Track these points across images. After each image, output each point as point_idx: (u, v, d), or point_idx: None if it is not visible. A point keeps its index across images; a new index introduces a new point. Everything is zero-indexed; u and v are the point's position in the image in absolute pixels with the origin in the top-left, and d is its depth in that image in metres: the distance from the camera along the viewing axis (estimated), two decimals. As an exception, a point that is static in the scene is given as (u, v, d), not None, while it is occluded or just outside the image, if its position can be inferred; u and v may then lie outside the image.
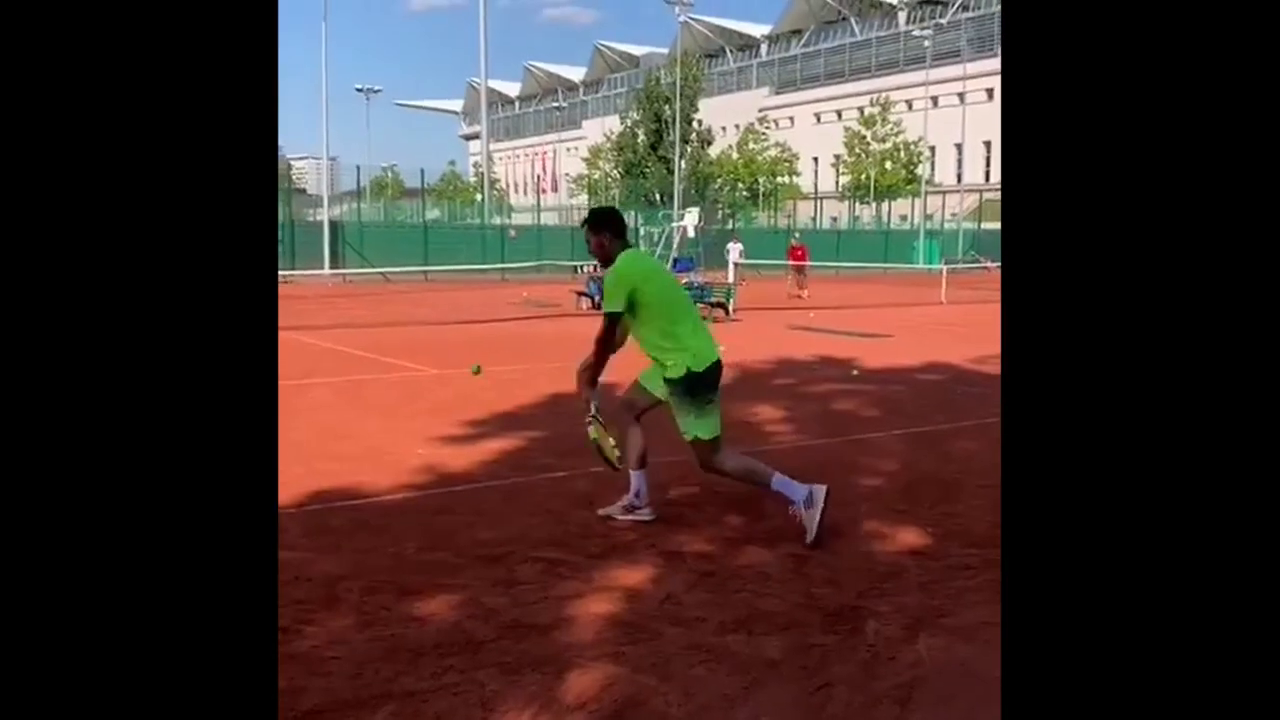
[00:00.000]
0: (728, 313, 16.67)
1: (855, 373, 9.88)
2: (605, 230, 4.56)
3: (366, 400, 8.21)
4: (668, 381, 4.34)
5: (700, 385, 4.32)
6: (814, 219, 47.04)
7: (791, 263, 24.00)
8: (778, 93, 72.12)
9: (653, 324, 4.36)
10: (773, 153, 54.53)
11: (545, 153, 57.20)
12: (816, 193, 52.76)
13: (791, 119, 68.50)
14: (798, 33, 72.61)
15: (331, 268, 28.24)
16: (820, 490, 4.26)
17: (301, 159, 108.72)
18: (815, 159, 63.71)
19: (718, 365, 4.39)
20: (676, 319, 4.40)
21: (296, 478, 5.34)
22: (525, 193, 55.99)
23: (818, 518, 4.20)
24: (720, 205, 46.82)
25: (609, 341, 4.47)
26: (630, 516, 4.57)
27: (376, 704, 2.76)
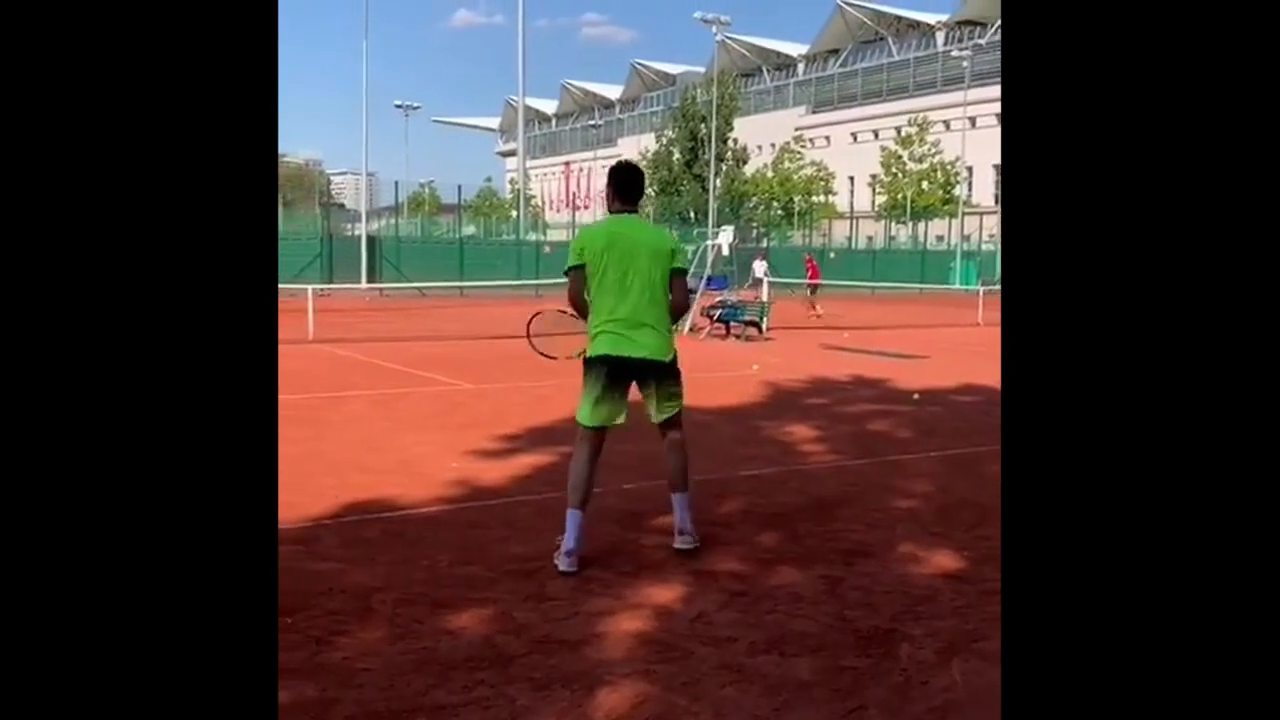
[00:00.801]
0: (761, 331, 16.63)
1: (916, 397, 9.64)
2: (608, 189, 4.34)
3: (401, 413, 8.27)
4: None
5: (592, 369, 4.22)
6: (849, 238, 46.84)
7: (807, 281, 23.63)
8: (814, 112, 72.06)
9: (594, 297, 4.22)
10: (808, 172, 54.47)
11: (572, 170, 57.28)
12: (852, 212, 52.60)
13: (828, 138, 68.40)
14: (835, 52, 72.57)
15: (368, 282, 28.53)
16: (565, 563, 4.04)
17: (341, 174, 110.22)
18: (851, 178, 63.55)
19: (608, 361, 4.17)
20: (602, 304, 4.19)
21: (331, 489, 5.39)
22: (559, 209, 56.30)
23: (556, 557, 4.08)
24: (755, 224, 46.79)
25: (575, 301, 4.32)
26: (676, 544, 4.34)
27: (408, 716, 2.77)
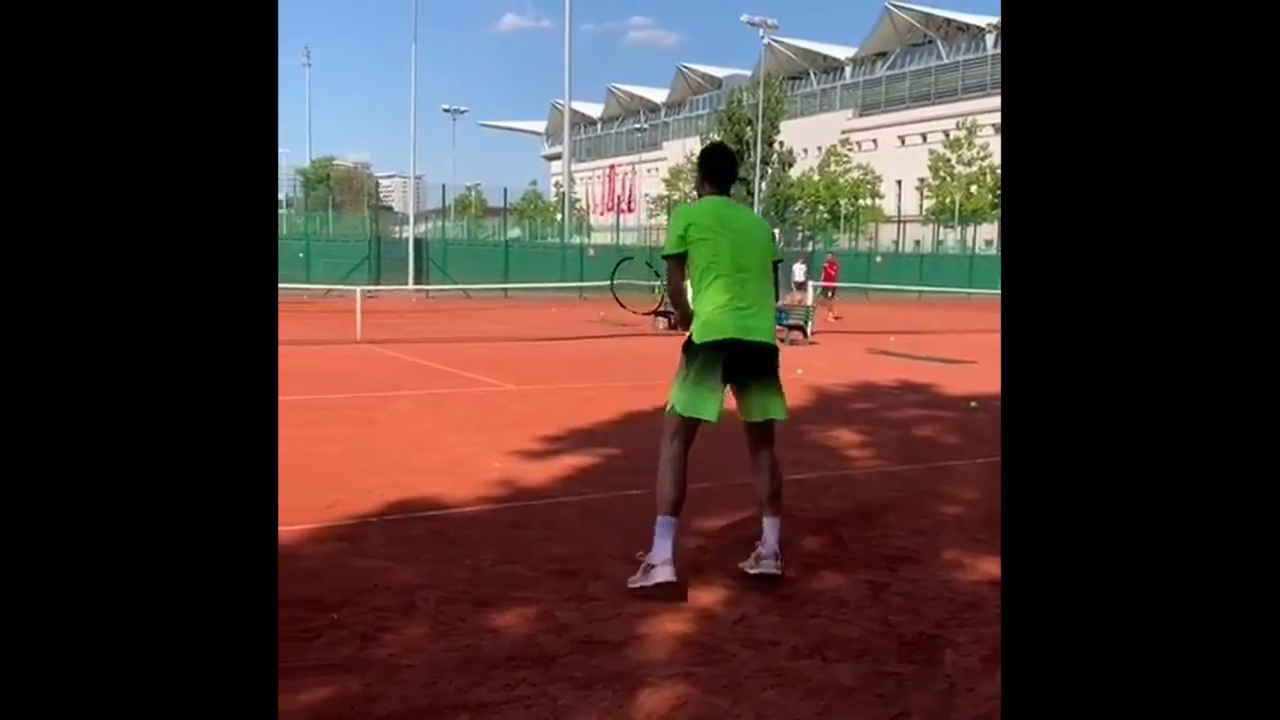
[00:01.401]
0: (805, 335, 16.54)
1: (974, 404, 9.49)
2: (700, 173, 4.15)
3: (446, 413, 8.35)
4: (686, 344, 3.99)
5: (701, 354, 3.88)
6: (896, 242, 46.43)
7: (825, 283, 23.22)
8: (861, 115, 71.54)
9: (696, 279, 3.96)
10: (855, 175, 54.08)
11: (616, 174, 57.15)
12: (899, 216, 52.12)
13: (875, 141, 67.87)
14: (883, 55, 72.00)
15: (415, 284, 28.83)
16: (666, 573, 3.72)
17: (389, 177, 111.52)
18: (899, 182, 62.97)
19: (729, 345, 3.86)
20: (711, 284, 3.92)
21: (377, 487, 5.46)
22: (603, 213, 56.50)
23: (643, 581, 3.76)
24: (800, 227, 46.55)
25: (677, 288, 4.05)
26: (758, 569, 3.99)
27: (450, 713, 2.80)
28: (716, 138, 48.62)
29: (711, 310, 3.88)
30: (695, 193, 4.14)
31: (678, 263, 3.91)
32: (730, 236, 3.89)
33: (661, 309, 4.12)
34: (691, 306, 3.97)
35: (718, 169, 4.11)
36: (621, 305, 4.63)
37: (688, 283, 4.00)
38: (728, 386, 3.95)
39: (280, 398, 7.68)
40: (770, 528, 4.03)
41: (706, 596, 3.83)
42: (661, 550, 3.77)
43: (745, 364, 3.92)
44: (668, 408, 3.91)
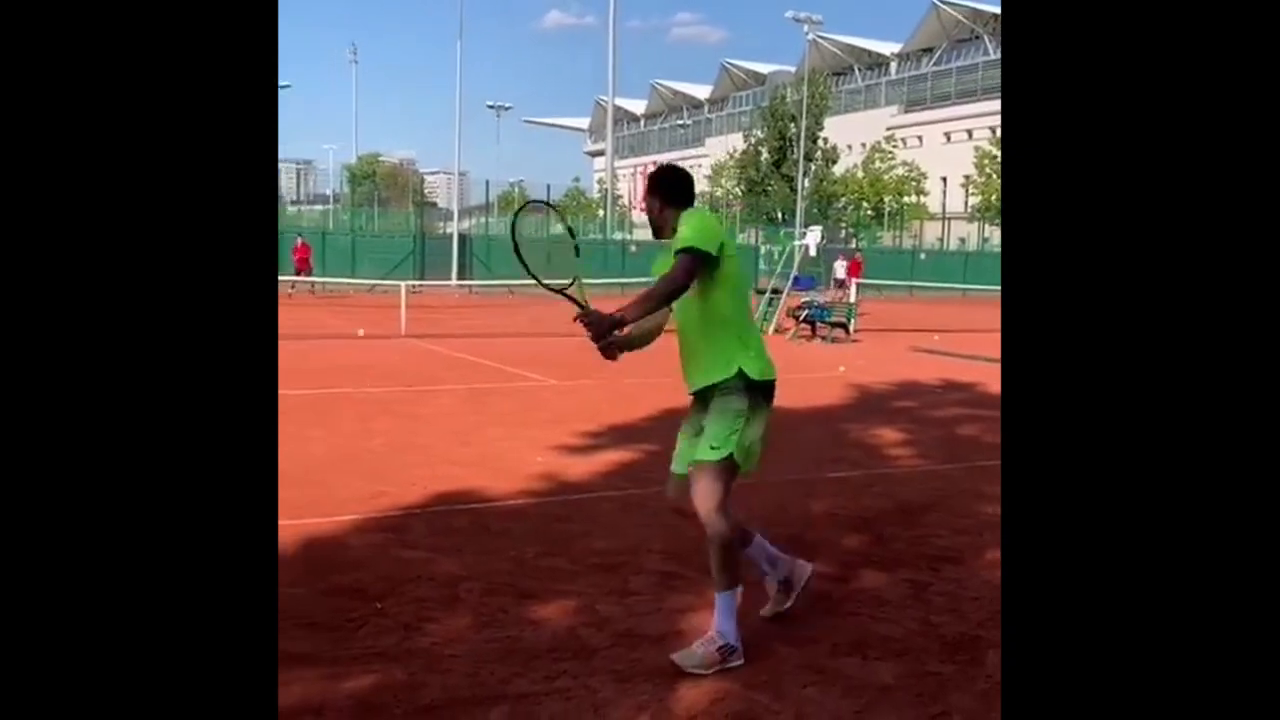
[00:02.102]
0: (848, 332, 16.43)
1: None
2: (659, 194, 3.45)
3: (489, 408, 8.42)
4: (728, 380, 3.23)
5: (762, 396, 3.27)
6: (941, 240, 45.90)
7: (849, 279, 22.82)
8: (906, 111, 70.78)
9: (733, 303, 3.32)
10: (899, 172, 53.56)
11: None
12: (944, 213, 51.53)
13: (920, 138, 67.12)
14: (929, 51, 71.17)
15: (459, 279, 29.06)
16: (739, 660, 3.13)
17: (433, 173, 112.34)
18: (944, 179, 62.23)
19: (774, 387, 3.35)
20: (747, 311, 3.46)
21: (422, 479, 5.53)
22: (642, 210, 56.43)
23: (710, 671, 3.07)
24: (844, 224, 46.19)
25: (683, 290, 3.18)
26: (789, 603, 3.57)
27: (491, 703, 2.83)
28: (760, 134, 48.39)
29: (750, 343, 3.32)
30: (651, 211, 3.52)
31: (703, 261, 3.15)
32: (737, 253, 3.38)
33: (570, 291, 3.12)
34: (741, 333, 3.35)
35: (689, 193, 3.49)
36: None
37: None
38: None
39: (327, 390, 7.86)
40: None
41: (746, 593, 3.82)
42: (733, 630, 3.18)
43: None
44: (718, 457, 3.15)
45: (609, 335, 3.22)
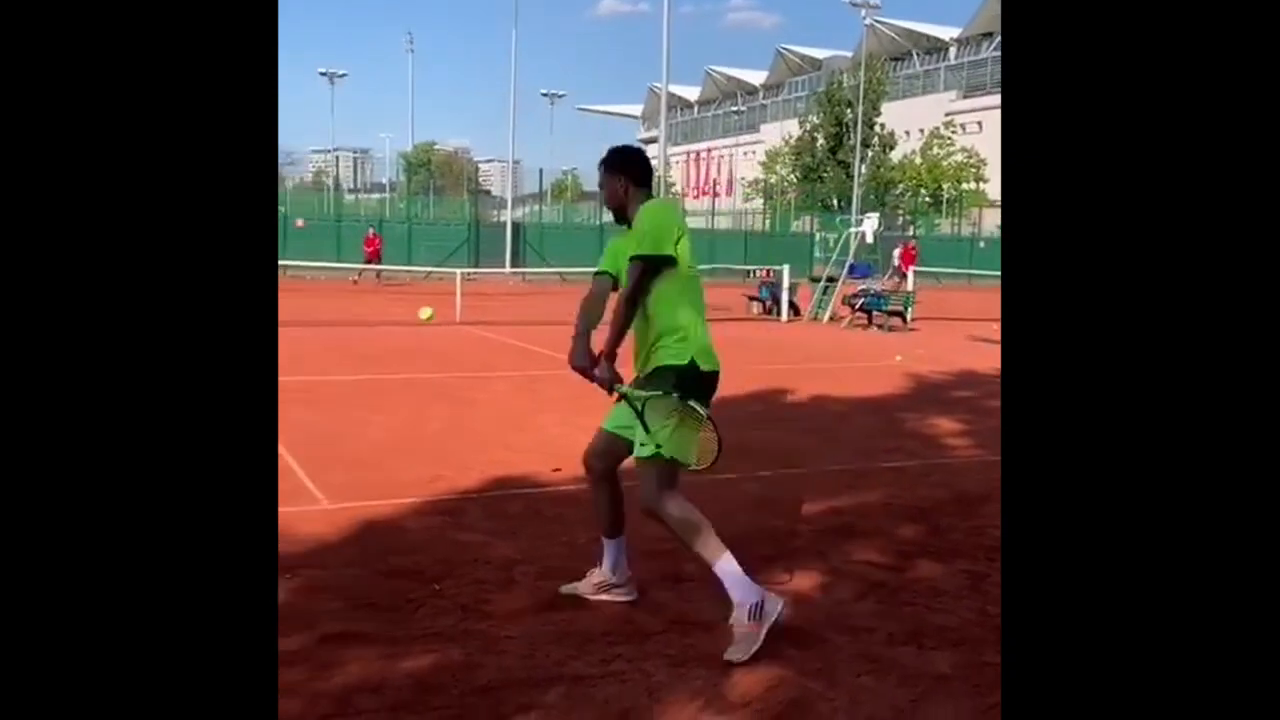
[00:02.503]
0: (905, 321, 16.23)
1: None
2: (625, 174, 3.41)
3: (542, 395, 8.48)
4: (661, 370, 3.25)
5: (697, 387, 3.25)
6: (1001, 227, 45.10)
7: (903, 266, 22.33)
8: (965, 96, 69.53)
9: (677, 294, 3.29)
10: (958, 158, 52.68)
11: (701, 158, 56.33)
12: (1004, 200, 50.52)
13: (980, 124, 65.88)
14: (989, 35, 69.77)
15: (512, 267, 29.26)
16: (776, 603, 3.14)
17: (488, 161, 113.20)
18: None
19: (717, 378, 3.33)
20: (695, 300, 3.35)
21: (477, 464, 5.59)
22: (698, 196, 56.28)
23: (761, 636, 3.05)
24: (901, 211, 45.61)
25: (640, 296, 3.26)
26: (604, 596, 3.56)
27: (548, 684, 2.86)
28: (815, 120, 47.93)
29: (690, 334, 3.27)
30: (615, 195, 3.44)
31: (657, 268, 3.21)
32: (688, 244, 3.32)
33: None
34: (663, 324, 3.30)
35: (645, 171, 3.45)
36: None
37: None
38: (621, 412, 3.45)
39: (385, 376, 8.01)
40: (619, 550, 3.62)
41: (801, 581, 3.82)
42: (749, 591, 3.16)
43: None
44: (649, 452, 3.22)
45: (613, 378, 3.41)
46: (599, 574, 3.60)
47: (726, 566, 3.18)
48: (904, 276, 21.44)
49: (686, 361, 3.23)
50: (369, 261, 25.51)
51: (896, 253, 23.36)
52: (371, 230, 27.70)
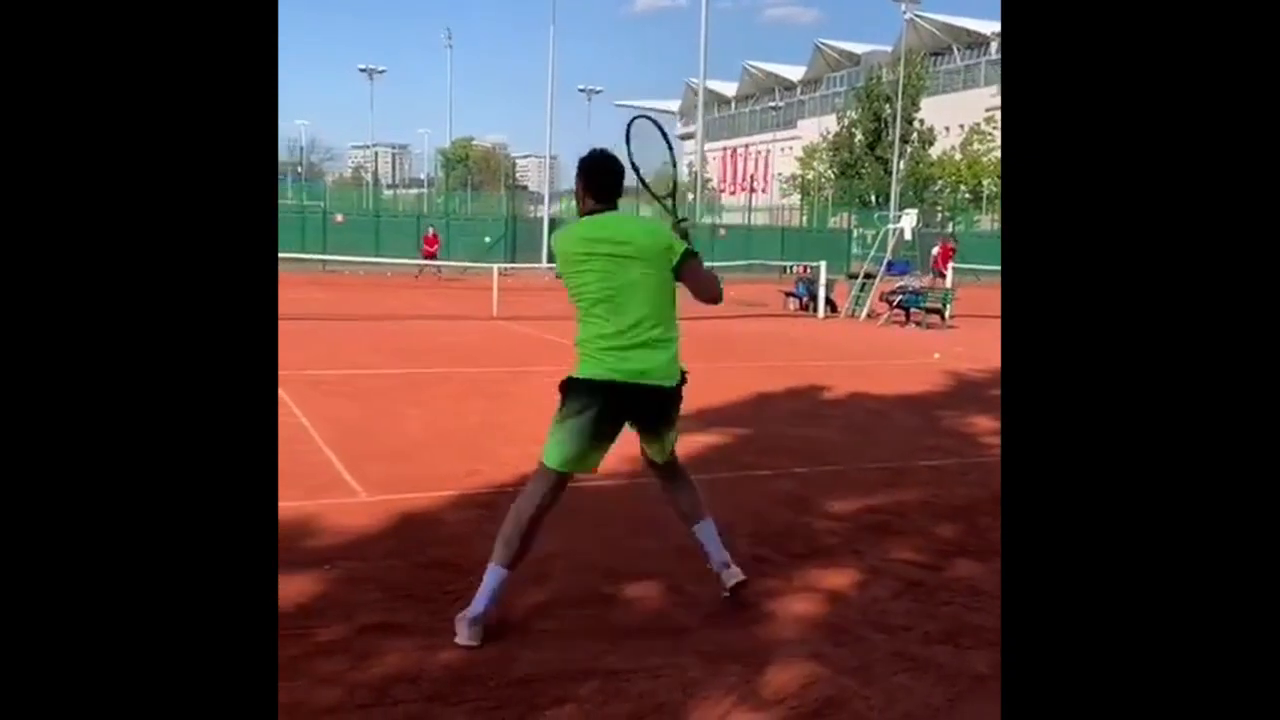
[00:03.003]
0: (944, 318, 16.08)
1: None
2: (581, 182, 3.43)
3: (579, 390, 8.49)
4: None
5: (576, 395, 3.35)
6: (1000, 228, 44.44)
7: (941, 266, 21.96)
8: (1007, 91, 68.66)
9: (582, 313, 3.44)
10: (999, 154, 52.07)
11: (736, 155, 55.99)
12: (1045, 196, 49.86)
13: (1021, 119, 65.03)
14: (1032, 28, 68.84)
15: (549, 262, 29.35)
16: (475, 631, 3.11)
17: (525, 157, 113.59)
18: (1045, 161, 60.29)
19: (607, 390, 3.28)
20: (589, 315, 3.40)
21: (513, 458, 5.61)
22: (735, 193, 56.18)
23: (460, 635, 3.10)
24: (940, 208, 45.15)
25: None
26: (726, 588, 3.51)
27: (583, 678, 2.87)
28: (854, 116, 47.55)
29: (584, 348, 3.40)
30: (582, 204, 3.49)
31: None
32: (600, 264, 3.29)
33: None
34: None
35: (595, 181, 3.39)
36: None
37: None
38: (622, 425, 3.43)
39: (423, 370, 8.06)
40: (709, 536, 3.58)
41: (837, 579, 3.80)
42: (478, 602, 3.18)
43: (625, 411, 3.36)
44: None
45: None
46: (712, 565, 3.57)
47: (495, 575, 3.21)
48: (941, 275, 21.19)
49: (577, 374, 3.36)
50: (427, 258, 25.82)
51: (935, 251, 23.04)
52: (432, 229, 28.02)
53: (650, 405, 3.36)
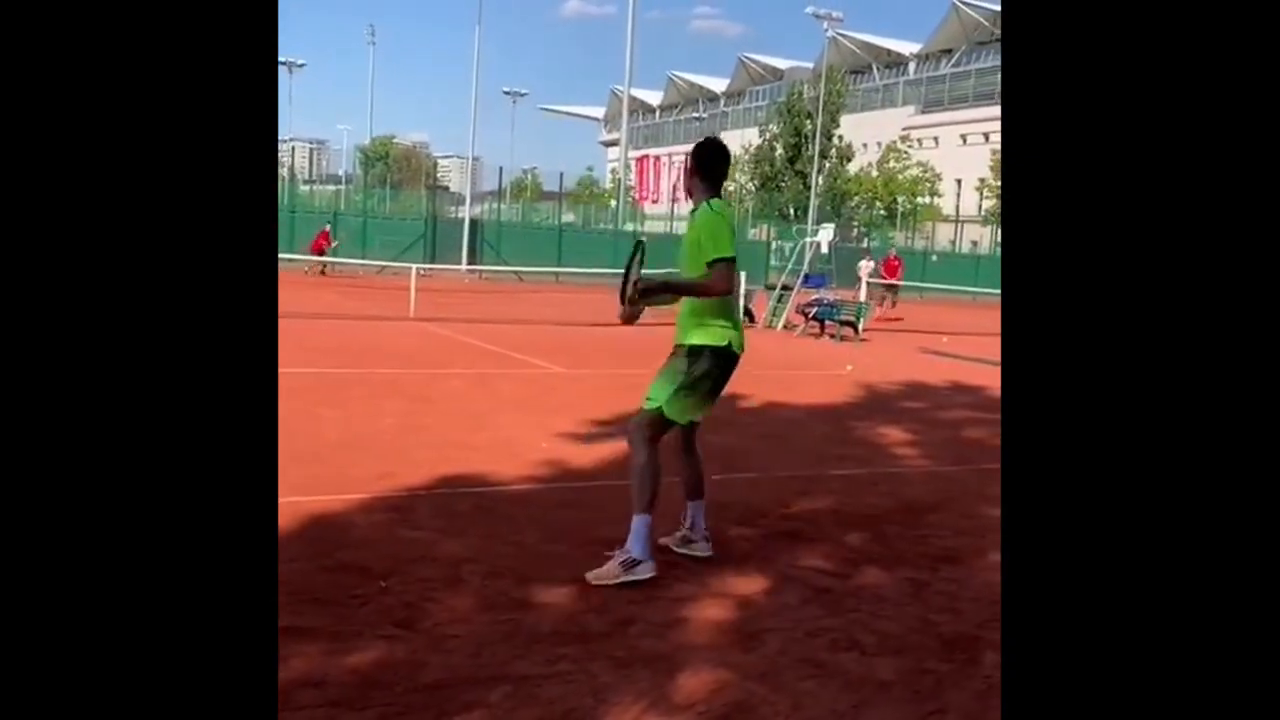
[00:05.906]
0: (856, 331, 16.42)
1: None
2: (701, 173, 3.97)
3: (497, 393, 8.45)
4: (696, 349, 3.85)
5: (723, 368, 3.89)
6: (953, 242, 45.77)
7: (885, 279, 22.81)
8: (923, 112, 70.51)
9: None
10: (914, 173, 53.39)
11: (646, 164, 56.10)
12: (958, 215, 51.37)
13: (936, 139, 66.85)
14: (948, 52, 70.85)
15: (469, 264, 29.09)
16: (647, 573, 3.76)
17: (447, 157, 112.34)
18: (958, 181, 61.98)
19: (736, 362, 3.93)
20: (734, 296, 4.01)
21: (428, 461, 5.56)
22: (661, 201, 56.54)
23: (614, 581, 3.72)
24: (856, 223, 46.10)
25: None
26: (685, 550, 4.17)
27: (493, 684, 2.86)
28: (775, 130, 48.26)
29: (723, 322, 3.88)
30: (693, 190, 3.99)
31: (730, 268, 3.80)
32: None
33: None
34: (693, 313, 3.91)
35: (720, 170, 4.01)
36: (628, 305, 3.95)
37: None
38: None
39: (339, 370, 7.90)
40: (698, 511, 4.20)
41: (748, 585, 3.86)
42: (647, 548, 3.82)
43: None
44: (654, 405, 3.86)
45: (654, 294, 3.93)
46: (683, 529, 4.19)
47: (642, 522, 3.80)
48: (894, 286, 21.87)
49: (724, 343, 3.87)
50: (317, 253, 25.26)
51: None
52: (327, 227, 27.40)
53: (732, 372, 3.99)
